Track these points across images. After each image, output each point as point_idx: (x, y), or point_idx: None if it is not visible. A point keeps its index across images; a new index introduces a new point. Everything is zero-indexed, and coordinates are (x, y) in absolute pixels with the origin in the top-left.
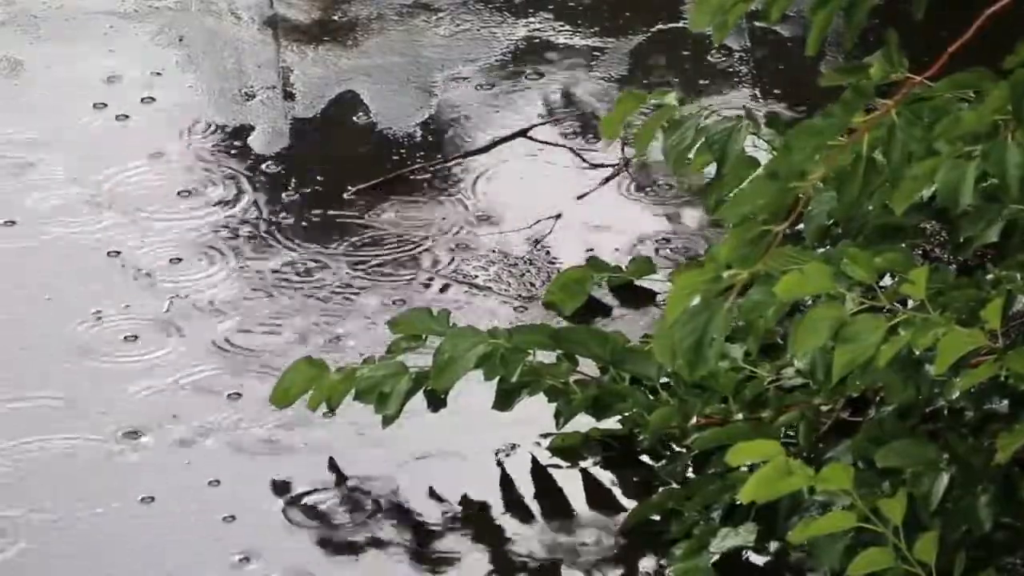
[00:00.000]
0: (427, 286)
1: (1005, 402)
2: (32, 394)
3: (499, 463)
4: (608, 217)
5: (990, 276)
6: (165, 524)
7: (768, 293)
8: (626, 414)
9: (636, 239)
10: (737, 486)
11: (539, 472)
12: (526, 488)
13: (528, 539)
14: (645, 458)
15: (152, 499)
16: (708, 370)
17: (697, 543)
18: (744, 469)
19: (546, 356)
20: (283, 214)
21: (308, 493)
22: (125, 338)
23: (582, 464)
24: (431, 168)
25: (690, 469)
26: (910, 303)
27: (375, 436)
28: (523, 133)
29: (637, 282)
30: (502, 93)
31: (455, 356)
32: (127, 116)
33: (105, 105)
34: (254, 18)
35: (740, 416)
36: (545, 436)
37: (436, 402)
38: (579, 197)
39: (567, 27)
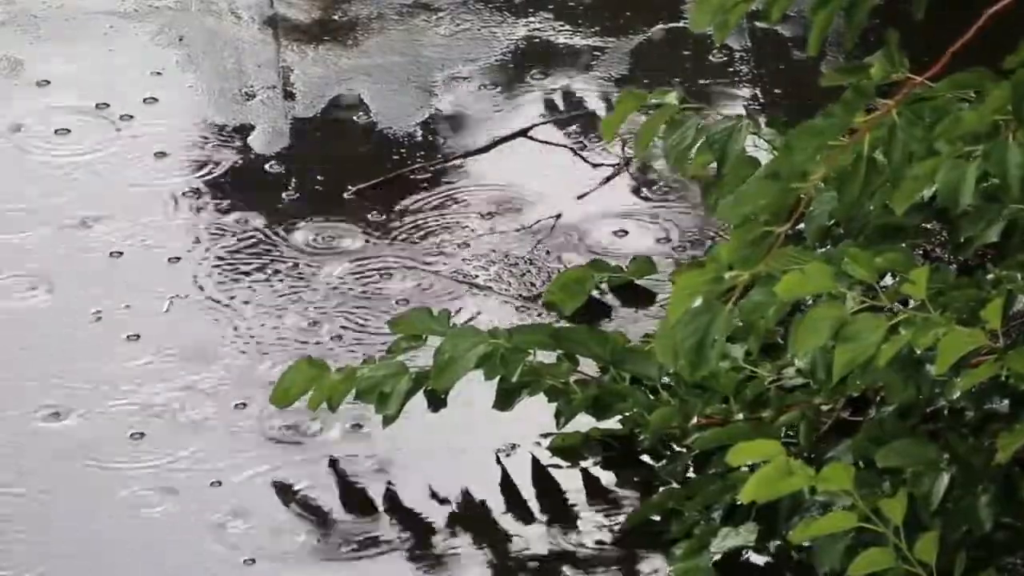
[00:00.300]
0: (427, 286)
1: (1006, 402)
2: (34, 393)
3: (499, 463)
4: (609, 217)
5: (990, 276)
6: (165, 524)
7: (769, 293)
8: (626, 414)
9: (636, 239)
10: (738, 486)
11: (539, 472)
12: (526, 488)
13: (528, 539)
14: (646, 458)
15: (152, 499)
16: (709, 371)
17: (698, 543)
18: (745, 469)
19: (546, 356)
20: (283, 214)
21: (308, 493)
22: (128, 337)
23: (582, 464)
24: (431, 168)
25: (691, 469)
26: (911, 303)
27: (375, 436)
28: (523, 133)
29: (638, 282)
30: (502, 93)
31: (455, 356)
32: (127, 116)
33: (106, 105)
34: (254, 18)
35: (741, 416)
36: (545, 436)
37: (436, 402)
38: (579, 197)
39: (567, 27)
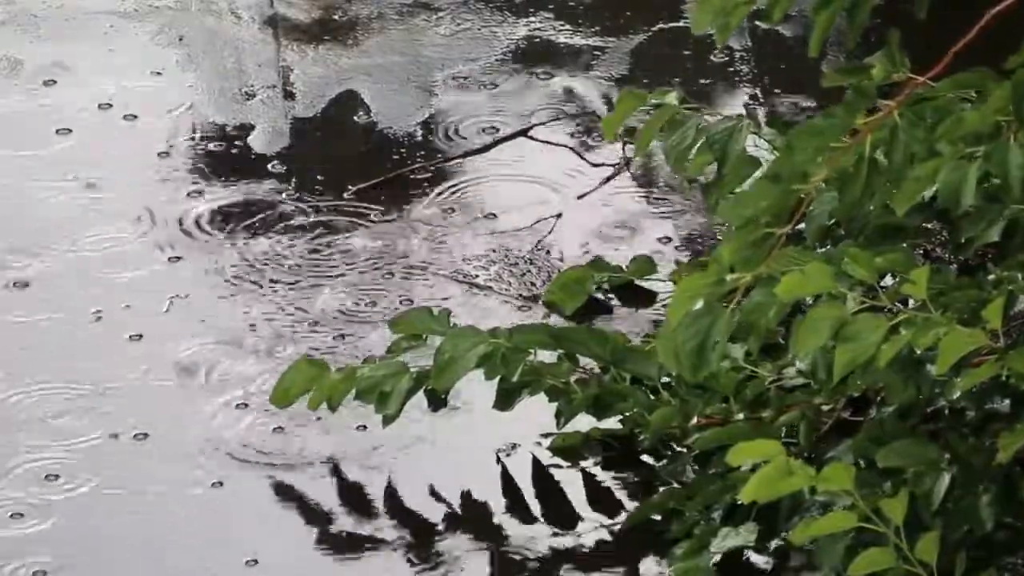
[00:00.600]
0: (428, 286)
1: (1006, 402)
2: (36, 392)
3: (499, 463)
4: (609, 216)
5: (991, 276)
6: (166, 524)
7: (769, 294)
8: (627, 414)
9: (637, 238)
10: (738, 486)
11: (540, 472)
12: (526, 488)
13: (528, 539)
14: (646, 458)
15: (152, 500)
16: (710, 372)
17: (698, 543)
18: (745, 469)
19: (547, 356)
20: (283, 214)
21: (308, 493)
22: (130, 337)
23: (583, 464)
24: (431, 168)
25: (691, 469)
26: (911, 303)
27: (375, 436)
28: (523, 133)
29: (638, 282)
30: (502, 93)
31: (456, 356)
32: (127, 116)
33: (106, 105)
34: (254, 17)
35: (741, 416)
36: (546, 436)
37: (437, 402)
38: (580, 197)
39: (568, 26)
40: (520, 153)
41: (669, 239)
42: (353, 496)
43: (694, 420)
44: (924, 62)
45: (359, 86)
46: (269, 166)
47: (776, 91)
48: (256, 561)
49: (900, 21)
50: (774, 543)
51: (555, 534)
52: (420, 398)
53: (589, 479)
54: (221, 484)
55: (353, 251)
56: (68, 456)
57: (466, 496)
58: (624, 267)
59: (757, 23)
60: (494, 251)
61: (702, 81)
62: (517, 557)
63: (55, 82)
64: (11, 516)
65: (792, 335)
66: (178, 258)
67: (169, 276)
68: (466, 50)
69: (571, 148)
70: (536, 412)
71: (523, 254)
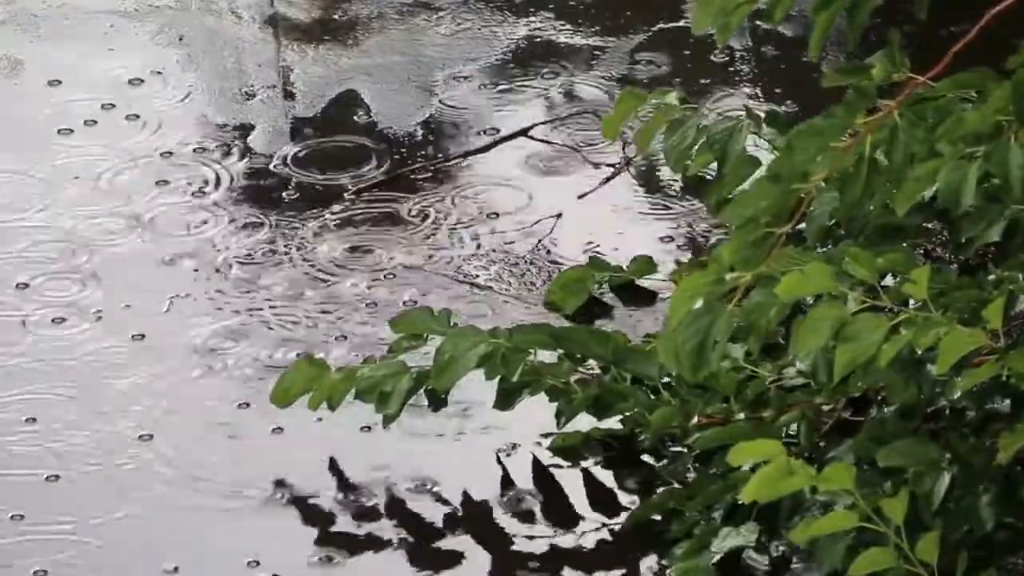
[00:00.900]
0: (428, 285)
1: (1007, 402)
2: (44, 388)
3: (500, 463)
4: (609, 216)
5: (992, 276)
6: (166, 524)
7: (770, 294)
8: (627, 414)
9: (637, 238)
10: (738, 486)
11: (540, 472)
12: (527, 488)
13: (528, 539)
14: (646, 458)
15: (153, 501)
16: (710, 372)
17: (698, 543)
18: (745, 469)
19: (547, 356)
20: (283, 213)
21: (308, 492)
22: (132, 336)
23: (583, 464)
24: (432, 167)
25: (691, 469)
26: (912, 303)
27: (375, 435)
28: (524, 132)
29: (638, 281)
30: (503, 92)
31: (456, 356)
32: (127, 116)
33: (106, 105)
34: (254, 17)
35: (741, 416)
36: (546, 436)
37: (437, 401)
38: (580, 196)
39: (568, 26)
40: (520, 152)
41: (669, 239)
42: (353, 496)
43: (695, 420)
44: (924, 62)
45: (359, 86)
46: (269, 166)
47: (776, 91)
48: (258, 563)
49: (900, 21)
50: (775, 543)
51: (555, 534)
52: (420, 398)
53: (589, 479)
54: (222, 485)
55: (353, 251)
56: (68, 455)
57: (466, 496)
58: (624, 267)
59: (757, 23)
60: (494, 251)
61: (702, 81)
62: (517, 557)
63: (55, 82)
64: (11, 518)
65: (792, 335)
66: (179, 258)
67: (170, 276)
68: (466, 50)
69: (571, 147)
70: (536, 412)
71: (523, 254)
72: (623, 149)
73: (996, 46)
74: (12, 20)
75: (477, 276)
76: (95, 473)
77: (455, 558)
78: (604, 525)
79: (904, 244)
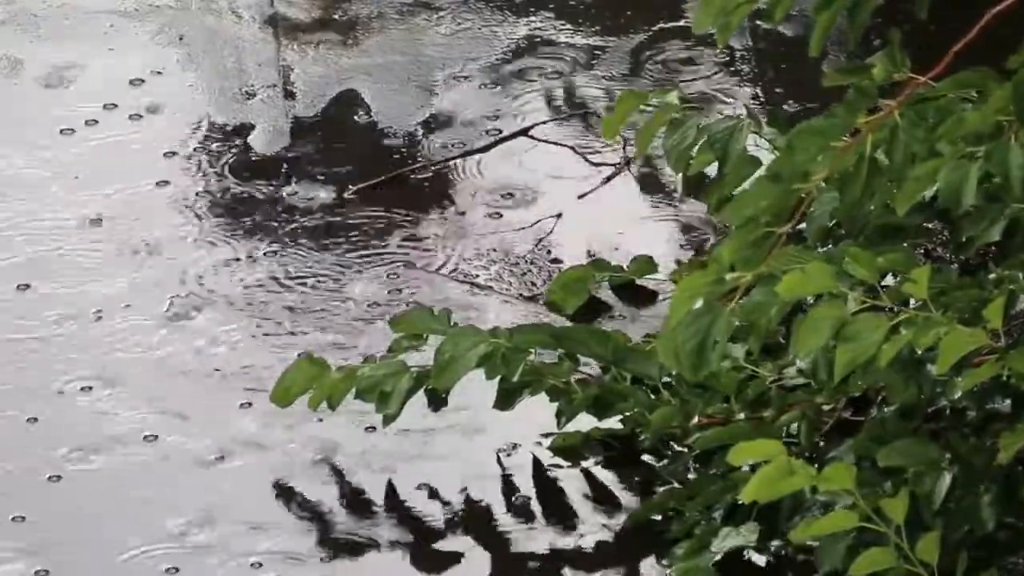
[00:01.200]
0: (428, 285)
1: (1007, 402)
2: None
3: (500, 463)
4: (609, 216)
5: (992, 275)
6: (168, 525)
7: (770, 293)
8: (627, 414)
9: (637, 238)
10: (739, 486)
11: (540, 472)
12: (527, 488)
13: (529, 539)
14: (647, 458)
15: (155, 501)
16: (710, 372)
17: (698, 543)
18: (746, 469)
19: (548, 355)
20: (283, 213)
21: (309, 493)
22: (133, 337)
23: (583, 464)
24: (432, 167)
25: (692, 469)
26: (912, 303)
27: (375, 435)
28: (524, 132)
29: (639, 281)
30: (503, 92)
31: (456, 355)
32: (126, 115)
33: (106, 105)
34: (254, 16)
35: (742, 416)
36: (546, 436)
37: (437, 401)
38: (580, 196)
39: (568, 26)
40: (520, 152)
41: (669, 238)
42: (353, 496)
43: (695, 420)
44: (925, 62)
45: (359, 85)
46: (269, 165)
47: (777, 90)
48: (261, 564)
49: (900, 20)
50: (775, 543)
51: (555, 534)
52: (421, 397)
53: (590, 479)
54: (222, 485)
55: (353, 251)
56: (69, 455)
57: (466, 496)
58: (625, 266)
59: (758, 22)
60: (494, 251)
61: (703, 80)
62: (517, 557)
63: (56, 82)
64: (12, 519)
65: (793, 335)
66: (179, 257)
67: (169, 275)
68: (466, 49)
69: (571, 148)
70: (536, 412)
71: (524, 254)
72: (623, 149)
73: (997, 46)
74: (12, 20)
75: (477, 276)
76: (95, 473)
77: (455, 558)
78: (604, 525)
79: (904, 244)
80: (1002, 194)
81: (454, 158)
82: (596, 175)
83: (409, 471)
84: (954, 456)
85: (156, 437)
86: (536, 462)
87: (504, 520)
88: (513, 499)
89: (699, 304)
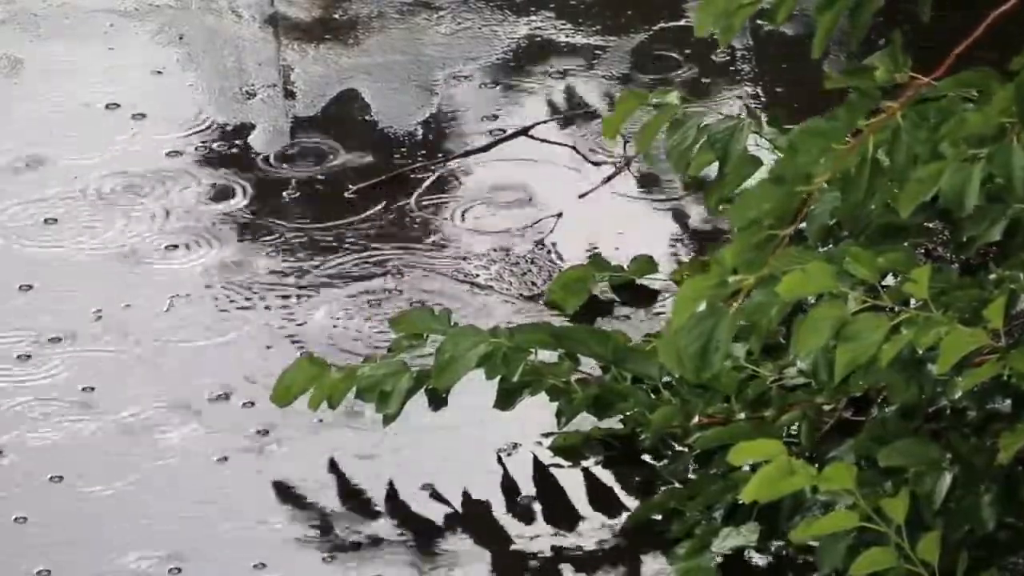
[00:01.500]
0: (428, 285)
1: (1008, 402)
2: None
3: (500, 462)
4: (610, 216)
5: (993, 275)
6: (168, 526)
7: (771, 293)
8: (628, 413)
9: (637, 238)
10: (739, 485)
11: (540, 471)
12: (527, 487)
13: (529, 539)
14: (647, 457)
15: (155, 502)
16: (713, 374)
17: (699, 543)
18: (746, 469)
19: (548, 355)
20: (283, 213)
21: (309, 493)
22: (133, 336)
23: (584, 463)
24: (432, 167)
25: (692, 468)
26: (912, 302)
27: (375, 434)
28: (524, 132)
29: (639, 281)
30: (503, 92)
31: (456, 355)
32: (126, 115)
33: (105, 104)
34: (255, 16)
35: (742, 415)
36: (547, 435)
37: (437, 401)
38: (581, 196)
39: (569, 25)
40: (521, 152)
41: (670, 238)
42: (353, 496)
43: (695, 419)
44: (925, 62)
45: (360, 85)
46: (270, 165)
47: (778, 91)
48: (264, 565)
49: (902, 21)
50: (775, 543)
51: (555, 534)
52: (421, 397)
53: (590, 479)
54: (223, 485)
55: (353, 251)
56: (71, 458)
57: (466, 496)
58: (625, 266)
59: (759, 22)
60: (495, 250)
61: (704, 80)
62: (518, 557)
63: (56, 81)
64: (15, 520)
65: (793, 335)
66: (179, 258)
67: (170, 275)
68: (467, 49)
69: (572, 147)
70: (537, 412)
71: (524, 253)
72: (624, 148)
73: (999, 46)
74: (12, 20)
75: (477, 276)
76: (99, 476)
77: (455, 558)
78: (605, 525)
79: (905, 243)
80: (1004, 195)
81: (454, 158)
82: (596, 174)
83: (409, 471)
84: (955, 456)
85: (162, 434)
86: (536, 462)
87: (504, 520)
88: (513, 499)
89: (702, 307)
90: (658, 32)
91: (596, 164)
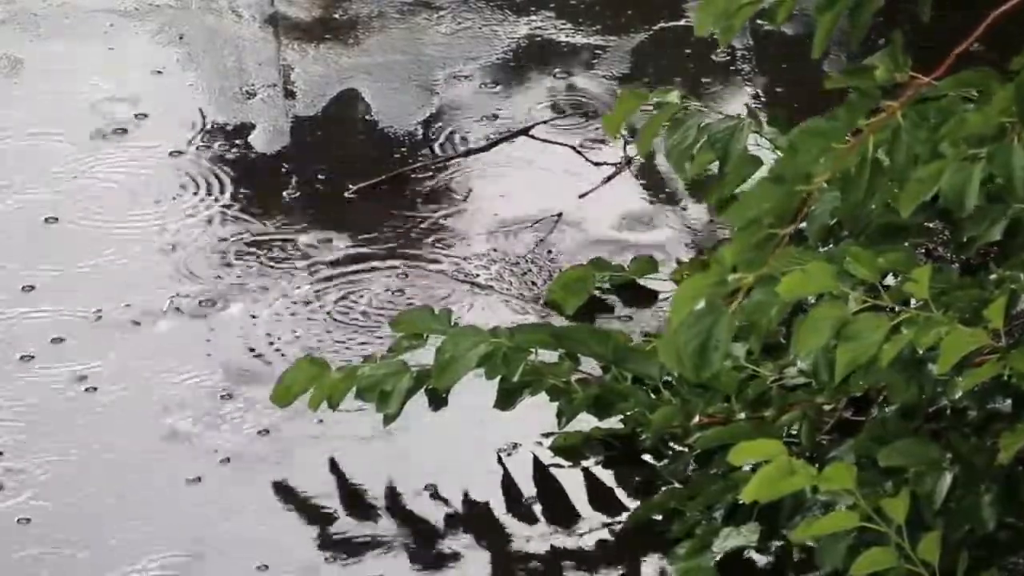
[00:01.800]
0: (429, 285)
1: (1008, 401)
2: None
3: (500, 462)
4: (610, 216)
5: (993, 275)
6: (169, 526)
7: (771, 293)
8: (628, 413)
9: (638, 237)
10: (739, 485)
11: (541, 471)
12: (527, 488)
13: (529, 539)
14: (647, 457)
15: (157, 503)
16: (712, 373)
17: (699, 543)
18: (746, 468)
19: (548, 355)
20: (284, 213)
21: (308, 492)
22: (133, 336)
23: (584, 463)
24: (432, 167)
25: (692, 468)
26: (913, 302)
27: (375, 435)
28: (524, 132)
29: (639, 281)
30: (503, 91)
31: (456, 355)
32: (126, 115)
33: (104, 104)
34: (255, 16)
35: (742, 415)
36: (547, 435)
37: (437, 401)
38: (581, 196)
39: (569, 25)
40: (521, 152)
41: (670, 238)
42: (353, 496)
43: (695, 419)
44: (925, 62)
45: (360, 85)
46: (270, 165)
47: (778, 90)
48: (267, 566)
49: (902, 21)
50: (776, 543)
51: (555, 534)
52: (421, 397)
53: (590, 479)
54: (224, 486)
55: (353, 251)
56: (73, 460)
57: (466, 496)
58: (625, 266)
59: (759, 22)
60: (495, 250)
61: (704, 80)
62: (517, 557)
63: (56, 81)
64: (17, 522)
65: (793, 334)
66: (178, 258)
67: (170, 275)
68: (467, 49)
69: (572, 147)
70: (537, 412)
71: (524, 253)
72: (624, 148)
73: (999, 46)
74: (12, 20)
75: (478, 275)
76: (100, 476)
77: (455, 558)
78: (605, 525)
79: (905, 243)
80: (1004, 195)
81: (454, 158)
82: (597, 174)
83: (409, 471)
84: (955, 456)
85: (173, 435)
86: (536, 462)
87: (504, 520)
88: (514, 499)
89: (701, 305)
90: (658, 32)
91: (596, 164)
